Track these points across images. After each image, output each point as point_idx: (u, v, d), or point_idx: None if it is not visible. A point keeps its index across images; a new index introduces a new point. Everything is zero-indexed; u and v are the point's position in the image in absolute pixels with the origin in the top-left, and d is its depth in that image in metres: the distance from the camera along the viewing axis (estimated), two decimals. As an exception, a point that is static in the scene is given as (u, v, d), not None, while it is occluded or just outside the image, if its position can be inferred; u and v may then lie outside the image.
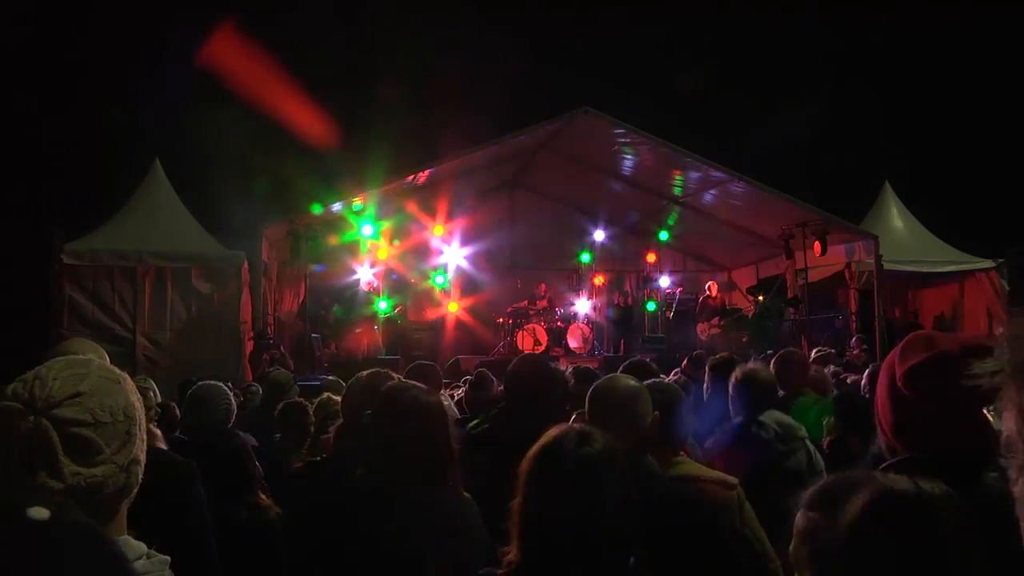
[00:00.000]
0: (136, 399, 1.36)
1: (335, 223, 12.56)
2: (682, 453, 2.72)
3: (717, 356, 4.61)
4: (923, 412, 1.68)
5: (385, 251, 14.18)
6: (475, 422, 3.84)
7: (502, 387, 3.75)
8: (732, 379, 3.56)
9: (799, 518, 1.17)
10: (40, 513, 0.85)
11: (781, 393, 4.19)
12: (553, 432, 1.76)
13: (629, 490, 1.69)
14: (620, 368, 3.69)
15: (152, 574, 1.31)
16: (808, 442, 3.44)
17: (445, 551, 2.15)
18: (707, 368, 4.47)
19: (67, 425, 1.25)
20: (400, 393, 2.44)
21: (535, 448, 1.75)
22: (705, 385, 4.34)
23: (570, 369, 4.79)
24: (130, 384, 1.38)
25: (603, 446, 1.71)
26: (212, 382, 3.96)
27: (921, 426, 1.69)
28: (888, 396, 1.76)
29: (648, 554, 1.83)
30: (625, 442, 2.39)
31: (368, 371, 3.17)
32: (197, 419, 3.63)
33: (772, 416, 3.42)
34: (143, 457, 1.36)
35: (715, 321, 13.91)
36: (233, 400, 3.87)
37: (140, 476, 1.36)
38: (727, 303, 14.72)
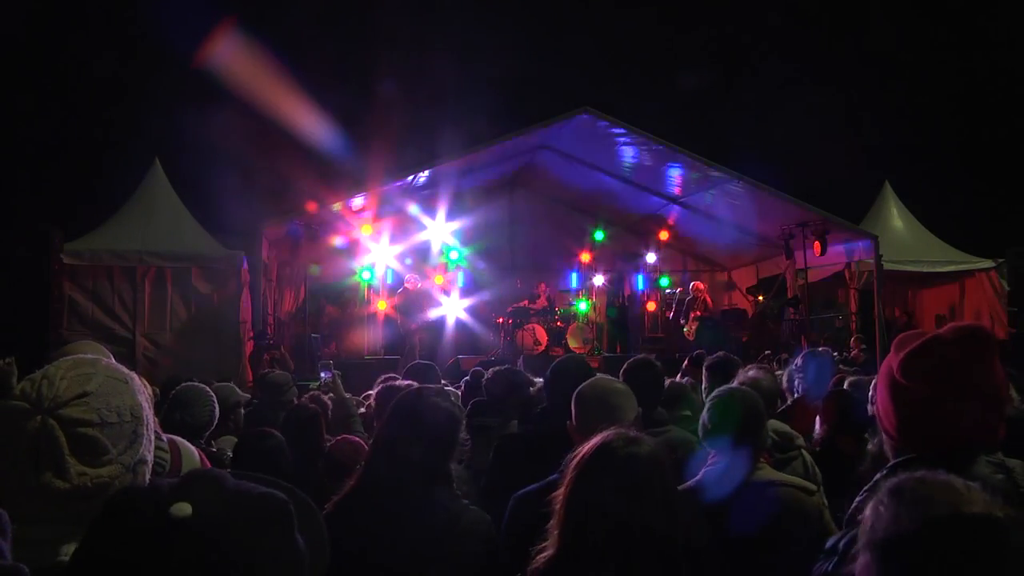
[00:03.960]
0: (143, 399, 1.36)
1: (335, 223, 12.55)
2: (763, 459, 2.72)
3: (714, 356, 4.60)
4: (924, 402, 1.67)
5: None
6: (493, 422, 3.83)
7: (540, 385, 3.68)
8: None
9: (872, 507, 1.16)
10: (183, 510, 0.84)
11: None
12: (602, 434, 1.82)
13: (672, 497, 1.72)
14: (625, 365, 3.68)
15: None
16: (804, 451, 3.44)
17: (444, 551, 2.15)
18: (704, 368, 4.47)
19: (74, 425, 1.25)
20: (413, 394, 2.44)
21: (586, 446, 1.80)
22: (704, 385, 4.34)
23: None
24: (137, 384, 1.38)
25: (650, 451, 1.75)
26: (196, 384, 3.96)
27: (923, 418, 1.68)
28: (888, 394, 1.76)
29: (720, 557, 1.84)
30: None
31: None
32: (179, 420, 3.63)
33: (771, 425, 3.41)
34: (150, 457, 1.36)
35: (692, 317, 14.03)
36: (216, 402, 3.88)
37: (147, 476, 1.36)
38: (709, 303, 14.74)
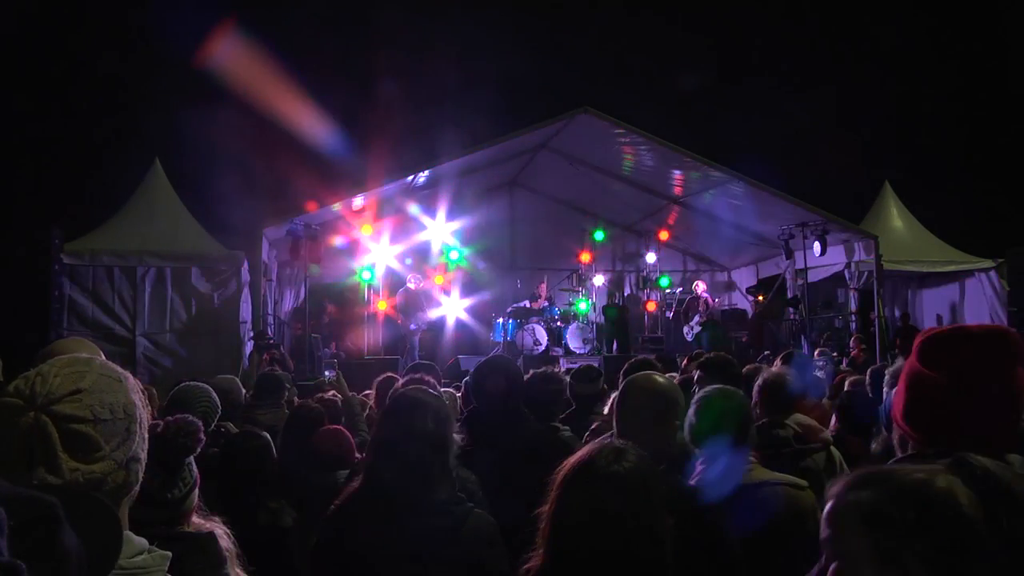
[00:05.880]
0: (137, 397, 1.37)
1: (335, 223, 12.54)
2: (753, 458, 2.71)
3: (706, 355, 4.61)
4: (941, 392, 1.66)
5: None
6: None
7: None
8: (759, 383, 3.57)
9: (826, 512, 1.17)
10: None
11: None
12: (591, 446, 1.81)
13: (656, 512, 1.71)
14: (625, 366, 3.70)
15: (153, 568, 1.31)
16: (833, 447, 3.45)
17: (448, 554, 2.15)
18: (697, 367, 4.47)
19: (67, 421, 1.26)
20: (403, 395, 2.46)
21: (572, 460, 1.79)
22: (694, 386, 4.33)
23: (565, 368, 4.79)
24: (131, 382, 1.38)
25: (635, 465, 1.74)
26: (193, 383, 3.99)
27: (939, 410, 1.67)
28: (907, 386, 1.74)
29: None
30: (660, 441, 2.42)
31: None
32: None
33: (795, 419, 3.44)
34: (143, 455, 1.36)
35: (695, 321, 14.05)
36: (215, 400, 3.88)
37: (140, 474, 1.36)
38: (711, 303, 14.76)
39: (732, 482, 2.54)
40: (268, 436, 3.30)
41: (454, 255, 14.53)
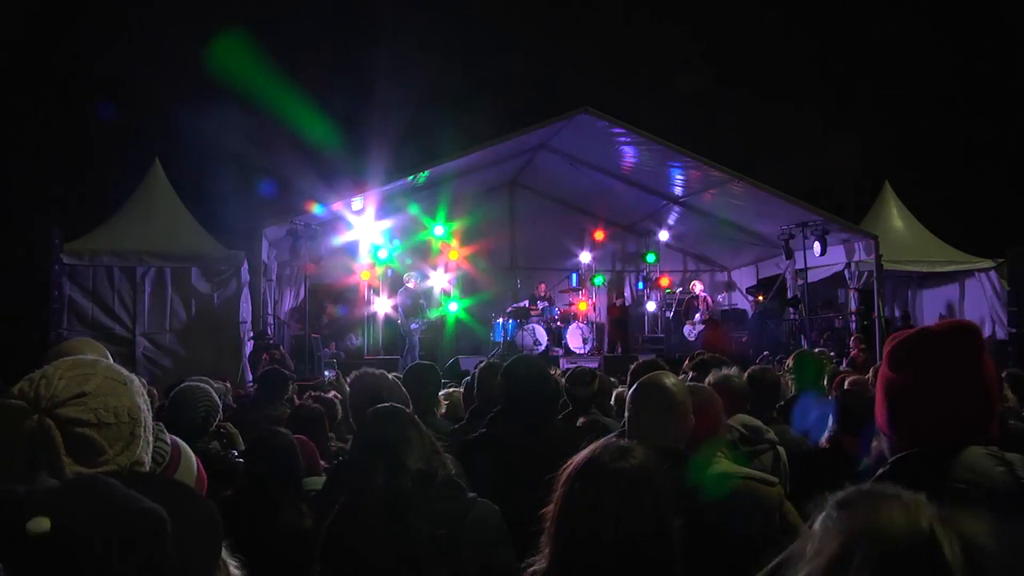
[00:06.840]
0: (142, 401, 1.36)
1: (335, 223, 12.53)
2: (719, 453, 2.72)
3: (696, 356, 4.63)
4: (911, 391, 1.68)
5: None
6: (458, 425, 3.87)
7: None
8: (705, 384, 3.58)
9: (819, 522, 1.14)
10: (40, 525, 0.81)
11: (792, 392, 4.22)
12: (595, 444, 1.78)
13: (664, 508, 1.69)
14: (632, 367, 3.72)
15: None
16: (779, 446, 3.46)
17: (455, 546, 2.15)
18: (691, 369, 4.51)
19: (70, 425, 1.25)
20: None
21: (576, 458, 1.76)
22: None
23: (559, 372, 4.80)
24: (137, 386, 1.38)
25: (640, 462, 1.72)
26: (195, 383, 3.97)
27: (911, 409, 1.68)
28: (881, 388, 1.77)
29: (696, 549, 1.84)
30: (673, 439, 2.43)
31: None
32: (176, 420, 3.63)
33: (739, 419, 3.45)
34: (147, 459, 1.36)
35: (696, 319, 14.07)
36: (216, 400, 3.88)
37: (144, 478, 1.35)
38: (710, 303, 14.78)
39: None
40: (291, 435, 3.28)
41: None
